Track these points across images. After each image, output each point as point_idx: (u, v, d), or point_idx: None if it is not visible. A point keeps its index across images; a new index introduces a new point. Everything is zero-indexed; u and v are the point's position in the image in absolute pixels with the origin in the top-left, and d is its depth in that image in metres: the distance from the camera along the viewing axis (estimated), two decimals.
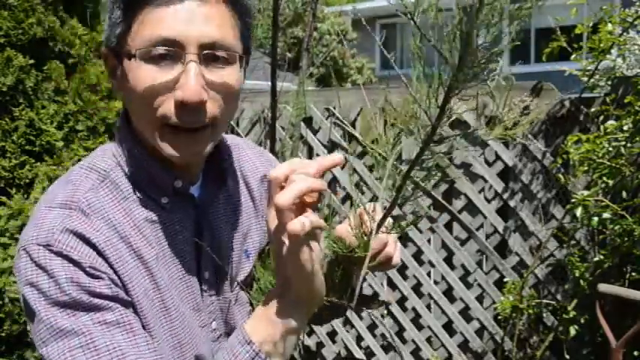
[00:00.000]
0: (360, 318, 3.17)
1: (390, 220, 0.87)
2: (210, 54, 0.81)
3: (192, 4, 0.80)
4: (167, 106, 0.81)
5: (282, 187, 0.73)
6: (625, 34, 2.52)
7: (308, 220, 0.71)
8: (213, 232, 0.97)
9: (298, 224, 0.70)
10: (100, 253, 0.81)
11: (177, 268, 0.91)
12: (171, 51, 0.80)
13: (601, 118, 2.48)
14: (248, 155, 1.09)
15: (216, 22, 0.82)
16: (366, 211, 0.83)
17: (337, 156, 0.77)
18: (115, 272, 0.82)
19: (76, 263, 0.78)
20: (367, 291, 3.17)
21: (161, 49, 0.80)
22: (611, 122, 2.32)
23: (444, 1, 0.67)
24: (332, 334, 3.29)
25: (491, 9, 0.63)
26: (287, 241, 0.73)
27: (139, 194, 0.89)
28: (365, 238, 0.84)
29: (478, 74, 0.67)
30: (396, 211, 0.84)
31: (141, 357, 0.78)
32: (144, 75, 0.80)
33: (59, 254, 0.78)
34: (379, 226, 0.84)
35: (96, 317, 0.78)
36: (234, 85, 0.85)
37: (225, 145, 1.01)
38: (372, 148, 0.84)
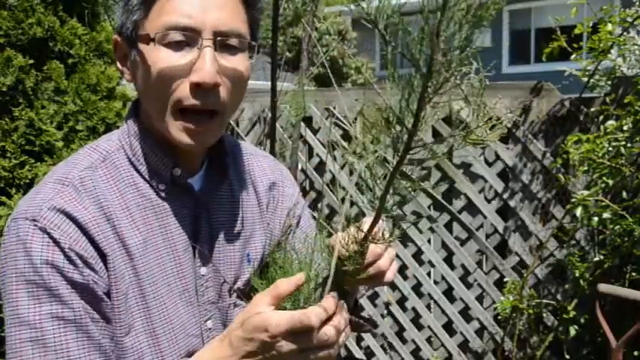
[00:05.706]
0: None
1: (382, 229, 0.86)
2: (223, 41, 0.86)
3: None
4: (182, 89, 0.85)
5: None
6: (625, 34, 2.51)
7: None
8: (211, 227, 0.97)
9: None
10: (84, 232, 0.83)
11: (169, 257, 0.91)
12: (188, 37, 0.84)
13: (601, 118, 2.48)
14: (260, 162, 1.11)
15: (229, 11, 0.86)
16: (354, 224, 0.85)
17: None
18: (99, 249, 0.84)
19: (56, 242, 0.81)
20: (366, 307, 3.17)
21: (178, 35, 0.84)
22: (611, 122, 2.32)
23: (413, 5, 0.66)
24: None
25: (453, 15, 0.63)
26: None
27: (136, 178, 0.91)
28: (354, 249, 0.84)
29: (449, 79, 0.66)
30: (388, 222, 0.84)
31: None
32: (161, 58, 0.84)
33: (43, 230, 0.81)
34: (366, 237, 0.84)
35: (55, 310, 0.80)
36: (244, 72, 0.89)
37: (230, 143, 1.02)
38: (352, 153, 0.84)
